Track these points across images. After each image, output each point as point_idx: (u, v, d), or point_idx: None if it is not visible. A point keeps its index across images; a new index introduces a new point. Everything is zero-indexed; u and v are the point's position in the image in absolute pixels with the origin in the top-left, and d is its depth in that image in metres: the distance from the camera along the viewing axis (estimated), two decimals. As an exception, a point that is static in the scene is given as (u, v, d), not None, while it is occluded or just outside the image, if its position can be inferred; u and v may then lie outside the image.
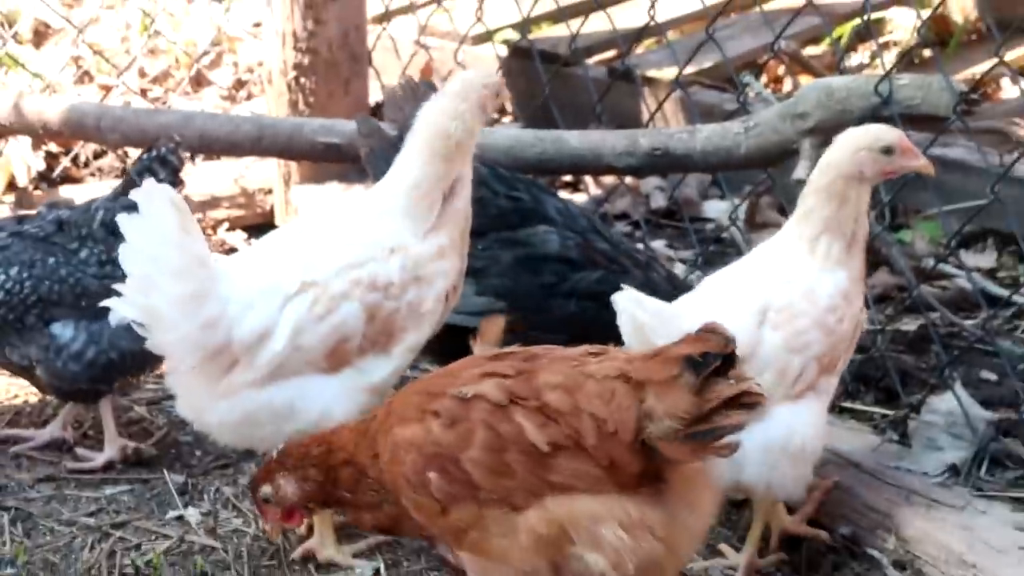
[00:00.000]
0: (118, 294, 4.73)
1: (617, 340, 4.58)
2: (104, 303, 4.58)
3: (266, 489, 4.12)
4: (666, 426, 3.63)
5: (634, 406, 3.68)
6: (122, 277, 4.94)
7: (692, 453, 3.72)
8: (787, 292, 4.77)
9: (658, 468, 3.75)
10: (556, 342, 4.64)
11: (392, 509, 4.03)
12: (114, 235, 5.29)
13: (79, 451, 5.73)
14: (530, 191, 5.64)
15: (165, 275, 4.44)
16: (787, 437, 4.70)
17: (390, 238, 4.76)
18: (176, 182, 5.60)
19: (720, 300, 4.66)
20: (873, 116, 5.42)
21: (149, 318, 4.50)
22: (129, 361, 5.49)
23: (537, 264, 5.28)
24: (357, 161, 5.86)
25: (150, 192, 4.45)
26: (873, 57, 8.43)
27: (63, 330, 5.50)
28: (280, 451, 4.16)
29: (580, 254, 5.37)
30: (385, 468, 3.98)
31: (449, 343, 4.82)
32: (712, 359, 3.60)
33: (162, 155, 5.66)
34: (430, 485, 3.84)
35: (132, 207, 4.83)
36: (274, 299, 4.63)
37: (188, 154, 5.87)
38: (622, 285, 4.48)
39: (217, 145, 6.78)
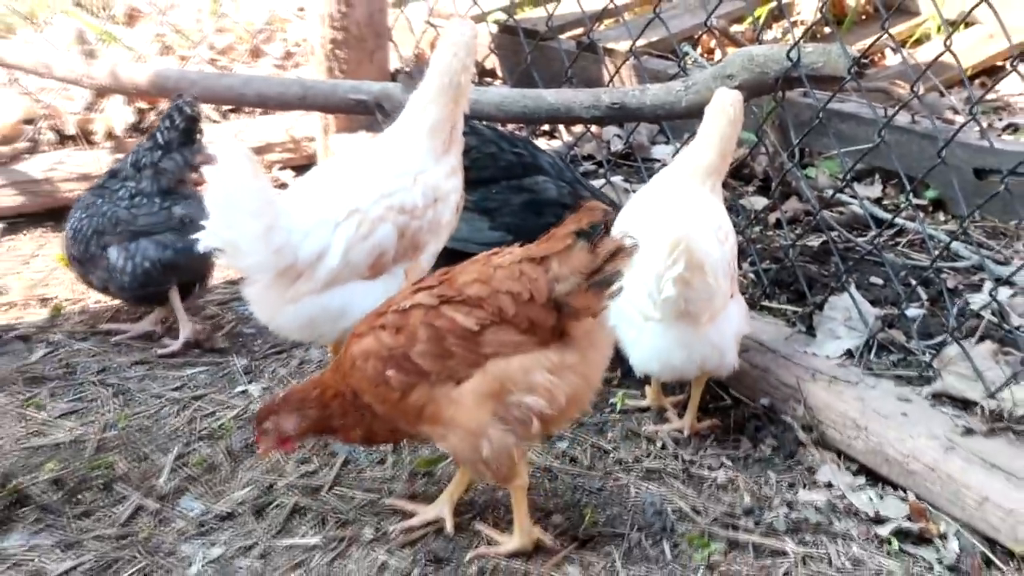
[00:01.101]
0: (147, 219, 5.53)
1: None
2: (193, 235, 4.63)
3: (268, 424, 4.20)
4: (572, 282, 3.85)
5: (542, 275, 3.88)
6: (129, 204, 5.60)
7: (595, 298, 3.90)
8: (720, 215, 4.83)
9: (564, 325, 3.94)
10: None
11: (367, 419, 4.15)
12: (139, 171, 5.65)
13: (164, 340, 5.75)
14: (527, 148, 5.72)
15: (243, 214, 4.51)
16: (739, 327, 4.85)
17: (413, 167, 4.85)
18: (192, 129, 5.80)
19: (691, 221, 4.67)
20: (786, 77, 5.41)
21: (231, 248, 4.57)
22: (160, 266, 5.63)
23: (540, 206, 5.33)
24: (380, 113, 5.87)
25: (227, 147, 4.48)
26: (785, 32, 8.39)
27: (112, 252, 5.60)
28: (284, 395, 4.26)
29: (572, 199, 5.41)
30: (350, 378, 4.11)
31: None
32: (599, 227, 3.84)
33: (179, 105, 5.79)
34: (391, 380, 3.99)
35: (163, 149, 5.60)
36: (327, 226, 4.70)
37: (199, 105, 5.94)
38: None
39: (271, 102, 6.76)
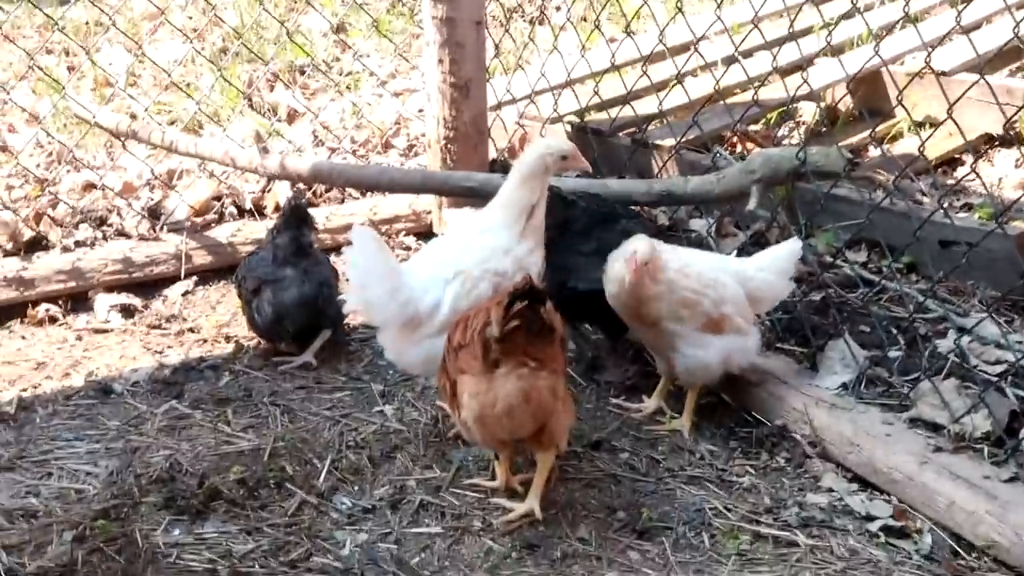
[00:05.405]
0: (255, 270, 5.87)
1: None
2: (340, 297, 5.00)
3: None
4: (491, 333, 4.00)
5: (483, 319, 4.09)
6: (258, 261, 5.91)
7: (501, 350, 4.06)
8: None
9: (495, 363, 4.07)
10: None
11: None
12: (271, 241, 5.94)
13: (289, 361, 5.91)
14: (607, 203, 5.85)
15: (373, 280, 4.69)
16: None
17: (504, 244, 4.91)
18: (302, 216, 6.01)
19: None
20: (795, 172, 5.42)
21: (367, 306, 4.76)
22: (267, 315, 5.79)
23: None
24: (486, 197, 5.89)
25: (359, 232, 4.70)
26: (791, 130, 8.35)
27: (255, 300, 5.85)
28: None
29: (648, 229, 5.58)
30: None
31: (583, 305, 5.30)
32: (515, 294, 3.96)
33: (288, 199, 6.44)
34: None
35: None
36: (439, 284, 4.78)
37: (303, 199, 6.64)
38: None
39: (399, 187, 6.85)
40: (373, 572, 4.17)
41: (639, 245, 4.77)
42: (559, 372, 4.27)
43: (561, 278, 5.32)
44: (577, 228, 5.48)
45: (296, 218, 5.94)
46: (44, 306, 6.46)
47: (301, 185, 7.58)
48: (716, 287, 5.01)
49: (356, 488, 4.71)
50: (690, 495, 4.69)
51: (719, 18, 6.33)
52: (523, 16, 10.76)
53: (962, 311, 5.87)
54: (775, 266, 5.23)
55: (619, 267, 4.83)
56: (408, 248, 7.34)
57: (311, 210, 6.61)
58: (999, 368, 5.25)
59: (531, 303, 3.98)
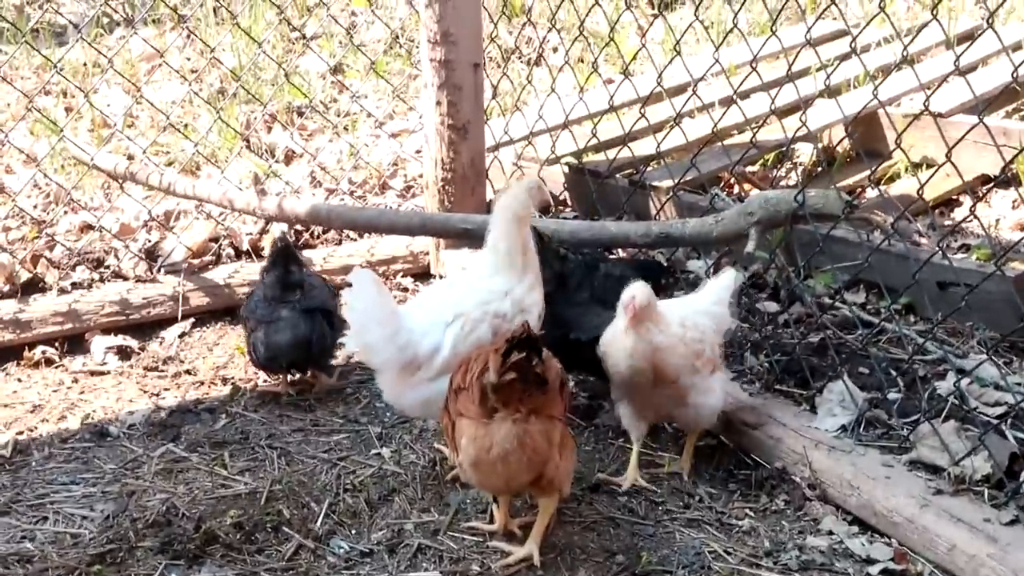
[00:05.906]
0: (255, 312, 5.90)
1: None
2: (340, 340, 5.24)
3: None
4: (489, 380, 3.96)
5: (481, 364, 4.06)
6: (256, 302, 5.96)
7: (498, 398, 4.02)
8: None
9: (492, 409, 4.04)
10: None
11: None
12: (261, 281, 5.99)
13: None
14: (591, 255, 5.87)
15: (373, 323, 4.70)
16: None
17: (504, 287, 4.92)
18: (289, 255, 6.05)
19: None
20: (793, 214, 5.43)
21: (366, 348, 4.76)
22: (261, 354, 5.84)
23: (622, 280, 5.22)
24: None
25: (359, 274, 4.73)
26: (788, 171, 8.37)
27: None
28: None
29: (636, 271, 5.53)
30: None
31: (585, 353, 5.12)
32: (511, 342, 3.93)
33: (275, 239, 6.26)
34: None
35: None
36: (439, 327, 4.80)
37: (288, 239, 6.53)
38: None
39: (398, 230, 6.86)
40: (371, 617, 4.17)
41: (636, 291, 4.76)
42: (557, 418, 4.23)
43: (562, 330, 5.32)
44: (573, 282, 5.52)
45: (283, 257, 5.99)
46: (40, 348, 6.48)
47: (299, 226, 7.61)
48: (705, 331, 5.04)
49: (353, 532, 4.69)
50: (689, 538, 4.66)
51: (717, 60, 6.34)
52: (521, 57, 10.80)
53: (961, 353, 5.87)
54: (724, 299, 5.25)
55: (622, 332, 4.85)
56: (405, 289, 7.35)
57: (308, 251, 6.63)
58: (999, 410, 5.24)
59: (528, 353, 3.96)
